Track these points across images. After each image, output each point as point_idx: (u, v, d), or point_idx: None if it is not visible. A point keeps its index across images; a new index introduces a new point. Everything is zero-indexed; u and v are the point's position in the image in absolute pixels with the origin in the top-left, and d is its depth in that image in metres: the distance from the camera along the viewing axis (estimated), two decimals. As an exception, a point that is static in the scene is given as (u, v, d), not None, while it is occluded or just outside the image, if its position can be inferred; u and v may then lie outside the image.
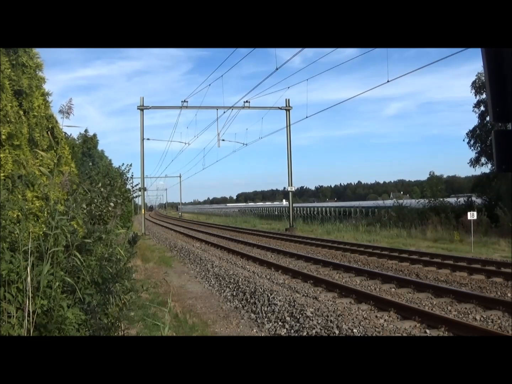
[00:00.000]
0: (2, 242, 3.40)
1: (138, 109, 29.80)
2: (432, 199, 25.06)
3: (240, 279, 10.67)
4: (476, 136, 24.55)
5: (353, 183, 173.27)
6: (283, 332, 6.91)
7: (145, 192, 35.75)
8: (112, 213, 6.10)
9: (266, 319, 7.60)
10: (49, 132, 5.74)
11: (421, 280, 10.17)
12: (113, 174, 15.15)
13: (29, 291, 3.26)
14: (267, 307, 8.09)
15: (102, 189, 8.88)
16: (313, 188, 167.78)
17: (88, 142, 23.61)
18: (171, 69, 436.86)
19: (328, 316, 6.95)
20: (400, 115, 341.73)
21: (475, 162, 24.82)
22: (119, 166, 17.92)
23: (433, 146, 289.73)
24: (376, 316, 7.20)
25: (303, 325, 6.84)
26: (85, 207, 5.18)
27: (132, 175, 18.35)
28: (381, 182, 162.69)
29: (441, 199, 25.10)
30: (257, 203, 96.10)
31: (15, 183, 4.58)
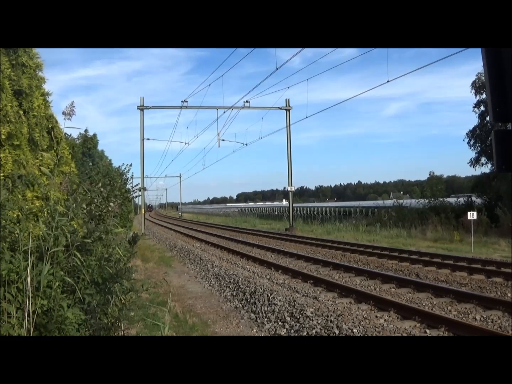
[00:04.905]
0: (2, 242, 3.40)
1: (138, 109, 29.80)
2: (432, 199, 25.05)
3: (240, 279, 10.67)
4: (476, 136, 24.52)
5: (353, 183, 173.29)
6: (283, 332, 6.91)
7: (145, 192, 35.76)
8: (112, 213, 6.10)
9: (266, 319, 7.60)
10: (50, 132, 5.74)
11: (421, 280, 10.16)
12: (113, 174, 15.15)
13: (29, 291, 3.26)
14: (267, 307, 8.09)
15: (102, 189, 8.88)
16: (313, 188, 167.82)
17: (88, 142, 23.64)
18: (171, 69, 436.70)
19: (328, 316, 6.95)
20: (400, 115, 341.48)
21: (475, 162, 24.80)
22: (119, 166, 17.94)
23: (433, 146, 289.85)
24: (376, 316, 7.20)
25: (303, 325, 6.84)
26: (85, 207, 5.18)
27: (132, 175, 18.37)
28: (381, 182, 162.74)
29: (441, 199, 25.10)
30: (257, 203, 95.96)
31: (15, 183, 4.58)
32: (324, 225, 29.33)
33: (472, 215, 15.59)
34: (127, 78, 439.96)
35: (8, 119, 4.83)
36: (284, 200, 64.42)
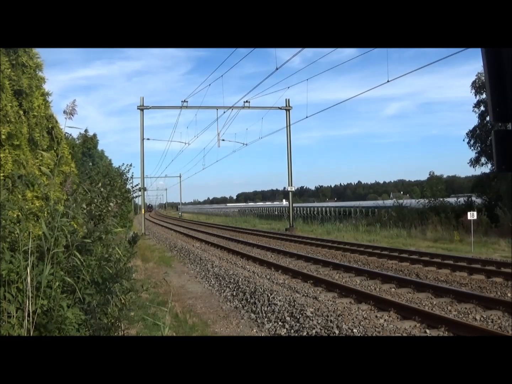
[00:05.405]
0: (2, 242, 3.40)
1: (138, 109, 29.81)
2: (432, 199, 25.06)
3: (240, 279, 10.67)
4: (476, 136, 24.51)
5: (353, 183, 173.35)
6: (283, 332, 6.91)
7: (145, 192, 35.76)
8: (112, 213, 6.10)
9: (266, 319, 7.60)
10: (50, 132, 5.74)
11: (421, 280, 10.16)
12: (113, 174, 15.16)
13: (29, 291, 3.26)
14: (267, 307, 8.09)
15: (102, 189, 8.88)
16: (313, 188, 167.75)
17: (88, 142, 23.66)
18: (171, 69, 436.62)
19: (328, 316, 6.95)
20: (400, 115, 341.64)
21: (475, 162, 24.78)
22: (119, 166, 17.95)
23: (433, 146, 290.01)
24: (376, 316, 7.20)
25: (303, 325, 6.84)
26: (85, 207, 5.18)
27: (132, 175, 18.39)
28: (381, 182, 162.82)
29: (441, 199, 25.10)
30: (257, 203, 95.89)
31: (15, 183, 4.58)
32: (324, 225, 29.33)
33: (472, 215, 15.59)
34: (127, 78, 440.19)
35: (8, 119, 4.83)
36: (284, 200, 64.44)
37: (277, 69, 17.74)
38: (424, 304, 8.05)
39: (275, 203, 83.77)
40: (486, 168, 24.35)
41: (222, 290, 10.29)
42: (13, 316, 3.23)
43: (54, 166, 4.94)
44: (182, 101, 28.97)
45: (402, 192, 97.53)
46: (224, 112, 28.67)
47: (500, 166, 1.63)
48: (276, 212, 47.14)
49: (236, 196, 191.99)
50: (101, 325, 3.90)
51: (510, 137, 1.64)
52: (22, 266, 3.30)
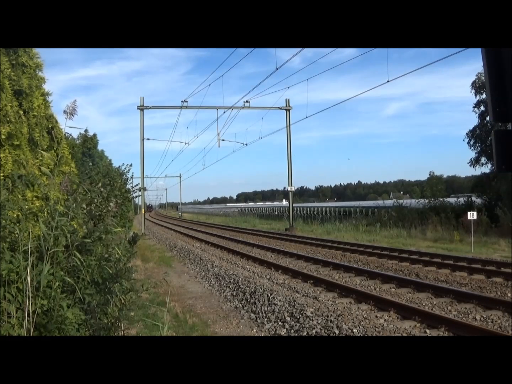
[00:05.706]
0: (2, 242, 3.40)
1: (138, 109, 29.81)
2: (432, 199, 25.06)
3: (240, 279, 10.67)
4: (476, 136, 24.51)
5: (353, 183, 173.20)
6: (283, 332, 6.91)
7: (145, 192, 35.77)
8: (112, 213, 6.10)
9: (266, 319, 7.60)
10: (50, 132, 5.74)
11: (421, 280, 10.16)
12: (113, 174, 15.15)
13: (29, 291, 3.26)
14: (267, 307, 8.09)
15: (102, 189, 8.87)
16: (313, 188, 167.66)
17: (88, 142, 23.67)
18: (171, 69, 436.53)
19: (328, 316, 6.95)
20: (400, 115, 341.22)
21: (475, 162, 24.78)
22: (119, 166, 17.93)
23: (433, 146, 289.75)
24: (376, 316, 7.20)
25: (303, 325, 6.84)
26: (85, 207, 5.18)
27: (132, 175, 18.37)
28: (381, 182, 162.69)
29: (441, 199, 25.10)
30: (257, 203, 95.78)
31: (15, 183, 4.58)
32: (324, 225, 29.32)
33: (472, 215, 15.60)
34: (127, 78, 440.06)
35: (8, 119, 4.83)
36: (284, 200, 64.41)
37: (277, 69, 17.74)
38: (424, 304, 8.05)
39: (275, 203, 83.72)
40: (486, 168, 24.37)
41: (222, 290, 10.29)
42: (13, 316, 3.23)
43: (54, 166, 4.94)
44: (182, 101, 28.99)
45: (402, 192, 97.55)
46: (224, 112, 28.69)
47: (500, 166, 1.63)
48: (276, 212, 47.14)
49: (236, 196, 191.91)
50: (101, 325, 3.90)
51: (510, 137, 1.64)
52: (22, 266, 3.30)
